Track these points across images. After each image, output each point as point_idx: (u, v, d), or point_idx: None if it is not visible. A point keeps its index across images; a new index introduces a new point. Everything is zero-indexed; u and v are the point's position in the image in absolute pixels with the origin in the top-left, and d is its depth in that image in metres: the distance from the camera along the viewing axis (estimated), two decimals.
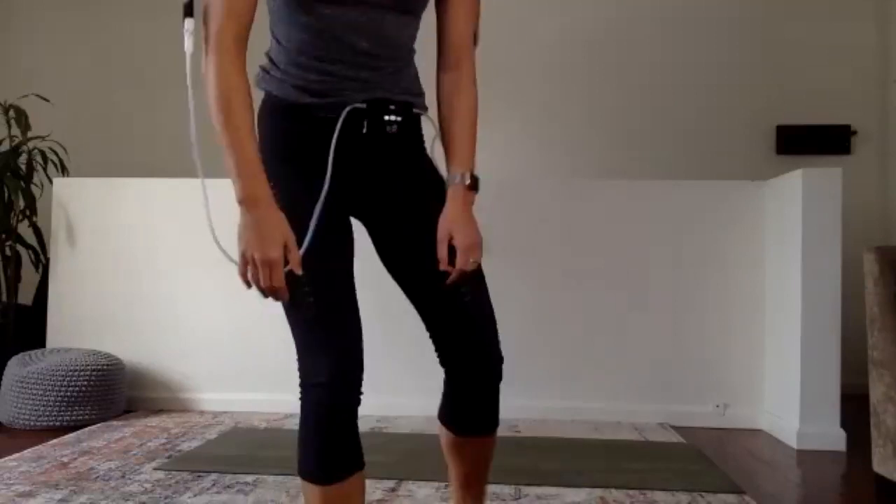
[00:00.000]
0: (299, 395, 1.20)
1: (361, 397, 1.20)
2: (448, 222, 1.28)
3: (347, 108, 1.25)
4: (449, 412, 1.39)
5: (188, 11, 1.18)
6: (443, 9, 1.35)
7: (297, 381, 1.19)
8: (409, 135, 1.34)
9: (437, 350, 1.33)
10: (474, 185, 1.31)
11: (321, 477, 1.19)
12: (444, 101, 1.36)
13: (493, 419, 1.37)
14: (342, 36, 1.23)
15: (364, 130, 1.27)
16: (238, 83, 1.14)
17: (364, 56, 1.25)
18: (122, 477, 2.33)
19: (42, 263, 3.80)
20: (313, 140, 1.26)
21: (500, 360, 1.32)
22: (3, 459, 2.51)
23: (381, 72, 1.28)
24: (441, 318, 1.30)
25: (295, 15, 1.23)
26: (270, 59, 1.31)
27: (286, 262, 1.12)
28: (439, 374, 1.35)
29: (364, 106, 1.26)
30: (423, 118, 1.38)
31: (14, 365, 3.16)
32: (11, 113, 3.80)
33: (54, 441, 2.80)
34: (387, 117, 1.28)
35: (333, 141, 1.24)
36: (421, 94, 1.37)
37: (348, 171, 1.28)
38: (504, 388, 1.35)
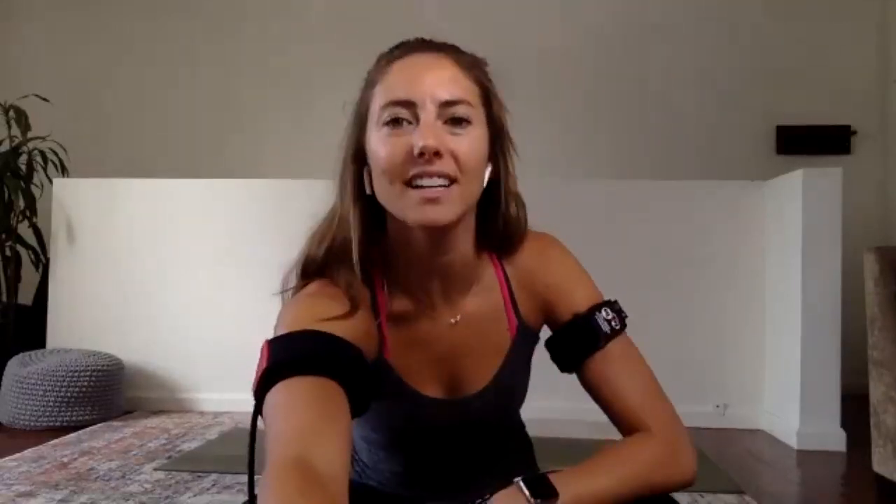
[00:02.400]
0: None
1: None
2: None
3: None
4: None
5: None
6: (593, 383, 1.03)
7: None
8: None
9: None
10: (537, 494, 0.85)
11: None
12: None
13: None
14: (429, 464, 1.04)
15: None
16: None
17: (455, 474, 1.05)
18: (122, 477, 2.33)
19: (42, 263, 3.79)
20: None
21: None
22: (3, 459, 2.51)
23: (477, 478, 1.05)
24: None
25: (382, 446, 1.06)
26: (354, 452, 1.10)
27: None
28: None
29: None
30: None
31: (14, 365, 3.16)
32: (11, 113, 3.80)
33: (54, 441, 2.80)
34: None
35: None
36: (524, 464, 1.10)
37: None
38: None
